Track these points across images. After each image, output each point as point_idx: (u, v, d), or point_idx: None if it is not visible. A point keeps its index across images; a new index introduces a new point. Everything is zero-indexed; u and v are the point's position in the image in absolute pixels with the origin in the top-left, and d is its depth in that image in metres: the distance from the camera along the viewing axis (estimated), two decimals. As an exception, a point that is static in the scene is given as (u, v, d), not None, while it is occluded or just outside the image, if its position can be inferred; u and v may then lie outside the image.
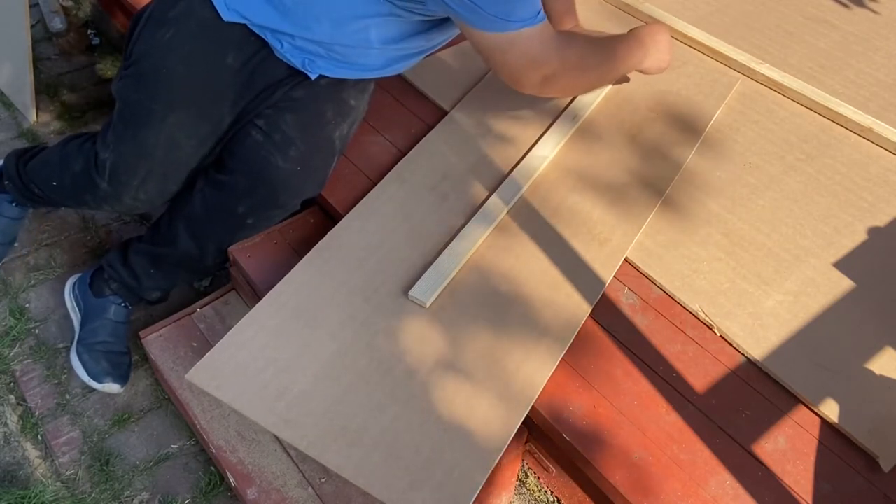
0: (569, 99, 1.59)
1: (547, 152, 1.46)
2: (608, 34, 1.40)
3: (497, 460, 1.04)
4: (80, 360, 1.40)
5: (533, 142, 1.49)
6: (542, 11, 1.16)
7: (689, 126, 1.56)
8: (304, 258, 1.27)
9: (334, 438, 1.05)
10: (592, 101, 1.59)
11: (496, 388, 1.12)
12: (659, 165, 1.45)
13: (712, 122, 1.58)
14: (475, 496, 1.00)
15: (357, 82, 1.39)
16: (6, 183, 1.54)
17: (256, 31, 1.25)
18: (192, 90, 1.28)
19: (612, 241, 1.32)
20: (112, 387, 1.41)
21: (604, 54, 1.32)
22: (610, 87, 1.65)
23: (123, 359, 1.43)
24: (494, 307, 1.22)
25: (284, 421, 1.06)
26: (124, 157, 1.33)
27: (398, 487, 1.01)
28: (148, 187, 1.35)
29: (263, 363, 1.13)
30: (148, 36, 1.28)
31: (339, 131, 1.38)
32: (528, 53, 1.17)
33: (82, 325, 1.45)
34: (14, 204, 1.57)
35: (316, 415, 1.07)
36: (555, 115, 1.55)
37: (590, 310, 1.23)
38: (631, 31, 1.43)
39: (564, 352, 1.17)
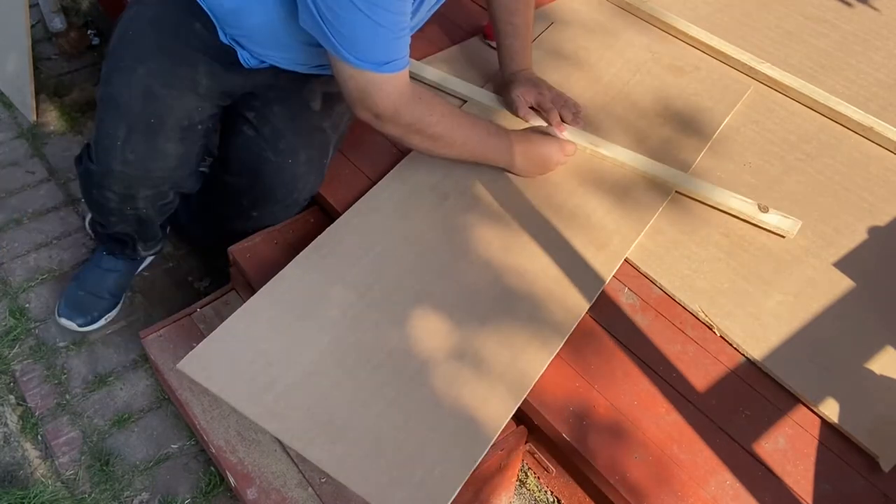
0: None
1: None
2: (492, 123, 1.35)
3: (479, 460, 1.04)
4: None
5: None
6: (399, 62, 1.13)
7: (696, 133, 1.56)
8: (301, 253, 1.27)
9: (318, 433, 1.05)
10: (600, 104, 1.59)
11: (483, 389, 1.11)
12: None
13: (720, 128, 1.58)
14: (455, 495, 1.00)
15: None
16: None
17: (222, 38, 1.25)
18: (161, 41, 1.24)
19: (610, 246, 1.32)
20: (68, 324, 1.50)
21: (462, 134, 1.29)
22: (618, 90, 1.64)
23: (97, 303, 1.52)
24: (488, 307, 1.22)
25: (271, 413, 1.07)
26: (104, 124, 1.27)
27: (378, 484, 1.01)
28: (134, 145, 1.25)
29: (254, 355, 1.13)
30: (115, 36, 1.28)
31: (329, 120, 1.37)
32: (362, 90, 1.14)
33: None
34: (106, 253, 1.54)
35: (302, 409, 1.07)
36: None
37: (583, 313, 1.23)
38: (525, 130, 1.40)
39: (554, 356, 1.17)
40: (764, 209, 1.37)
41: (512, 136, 1.36)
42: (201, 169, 1.43)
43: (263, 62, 1.28)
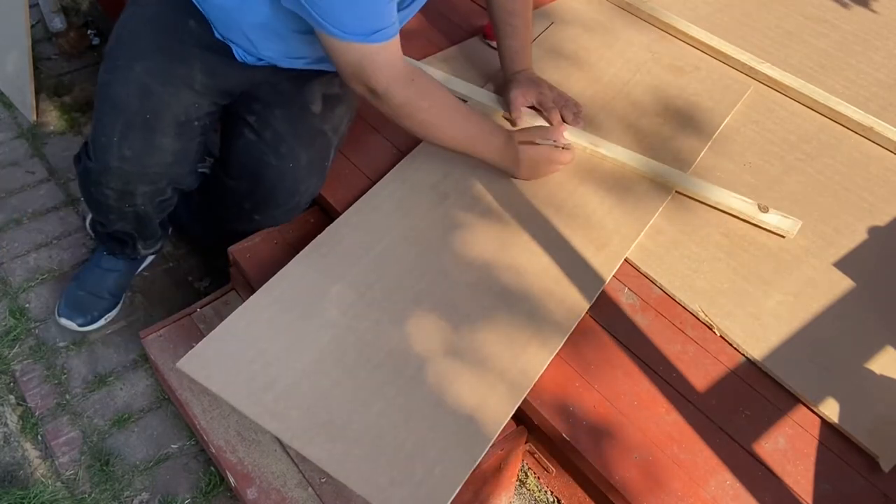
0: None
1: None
2: (491, 122, 1.34)
3: (479, 459, 1.04)
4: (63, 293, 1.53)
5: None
6: (387, 31, 1.11)
7: (696, 133, 1.56)
8: (301, 252, 1.27)
9: (318, 432, 1.05)
10: (600, 103, 1.59)
11: (483, 389, 1.12)
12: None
13: (720, 128, 1.58)
14: (454, 495, 1.00)
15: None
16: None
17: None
18: (157, 40, 1.24)
19: (610, 246, 1.32)
20: (68, 324, 1.50)
21: (456, 126, 1.28)
22: (618, 89, 1.64)
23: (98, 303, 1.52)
24: (488, 306, 1.22)
25: (271, 413, 1.07)
26: (101, 122, 1.27)
27: (378, 483, 1.01)
28: (131, 142, 1.25)
29: (254, 354, 1.13)
30: (112, 37, 1.30)
31: (329, 123, 1.37)
32: (354, 64, 1.13)
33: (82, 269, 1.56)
34: (107, 253, 1.54)
35: (302, 408, 1.08)
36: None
37: (583, 313, 1.23)
38: (525, 132, 1.38)
39: (554, 355, 1.17)
40: (764, 209, 1.37)
41: (511, 137, 1.35)
42: (202, 170, 1.43)
43: (260, 59, 1.28)
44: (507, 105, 1.52)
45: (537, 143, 1.37)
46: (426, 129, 1.27)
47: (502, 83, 1.56)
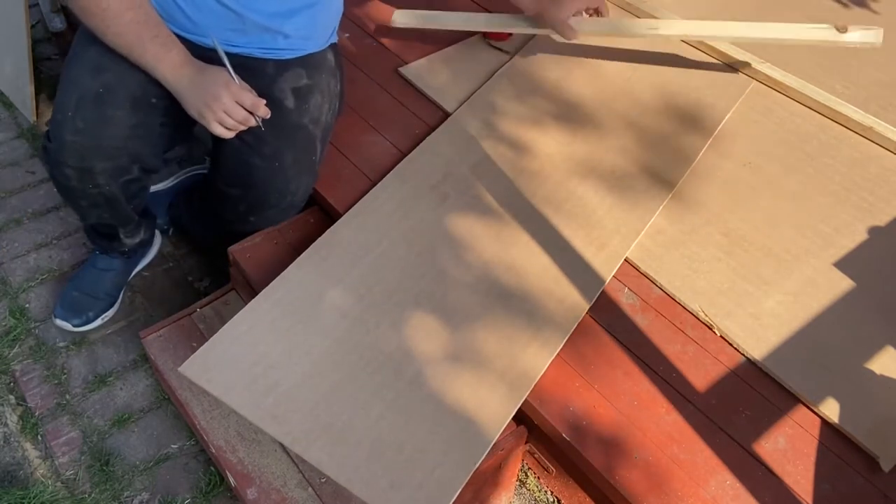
0: (573, 101, 1.57)
1: (551, 151, 1.46)
2: (169, 35, 1.22)
3: (479, 462, 1.04)
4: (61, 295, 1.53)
5: (537, 143, 1.49)
6: None
7: (697, 130, 1.56)
8: (302, 255, 1.27)
9: (318, 435, 1.05)
10: (601, 99, 1.59)
11: (483, 390, 1.12)
12: (663, 170, 1.45)
13: (722, 124, 1.58)
14: (455, 497, 1.00)
15: (303, 59, 1.37)
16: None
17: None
18: None
19: (610, 246, 1.32)
20: (64, 325, 1.51)
21: (118, 23, 1.17)
22: (620, 86, 1.64)
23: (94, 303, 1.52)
24: (488, 307, 1.22)
25: (272, 416, 1.07)
26: (57, 102, 1.26)
27: (378, 486, 1.01)
28: (84, 114, 1.23)
29: (255, 358, 1.13)
30: (74, 39, 1.30)
31: (307, 116, 1.35)
32: None
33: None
34: (100, 253, 1.55)
35: (303, 411, 1.08)
36: (560, 118, 1.55)
37: (583, 313, 1.23)
38: (203, 64, 1.24)
39: (554, 356, 1.17)
40: (842, 29, 1.28)
41: (183, 58, 1.23)
42: (202, 171, 1.43)
43: (203, 36, 1.27)
44: (554, 24, 1.54)
45: None
46: (88, 18, 1.18)
47: (541, 10, 1.57)
